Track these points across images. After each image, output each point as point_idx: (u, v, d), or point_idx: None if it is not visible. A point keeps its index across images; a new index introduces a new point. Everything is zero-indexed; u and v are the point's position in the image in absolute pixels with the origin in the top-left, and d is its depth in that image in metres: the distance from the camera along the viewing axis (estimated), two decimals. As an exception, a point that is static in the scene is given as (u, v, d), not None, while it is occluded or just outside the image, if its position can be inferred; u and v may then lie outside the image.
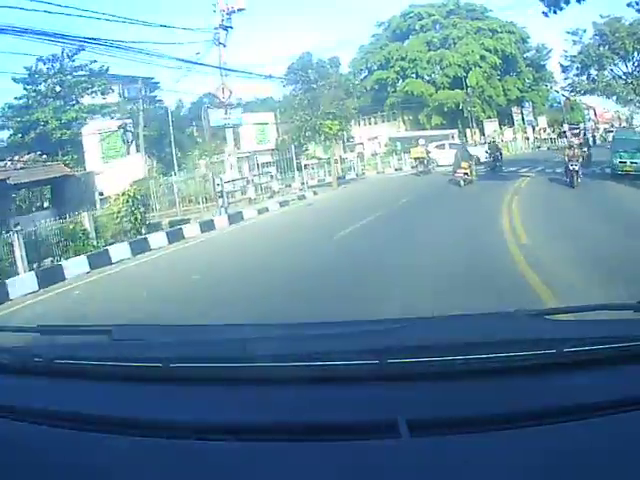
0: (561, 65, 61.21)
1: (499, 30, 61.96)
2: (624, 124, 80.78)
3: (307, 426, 1.32)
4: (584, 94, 60.31)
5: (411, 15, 62.80)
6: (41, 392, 1.64)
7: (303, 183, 30.29)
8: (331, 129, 31.86)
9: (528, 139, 57.36)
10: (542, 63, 69.46)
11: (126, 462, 1.28)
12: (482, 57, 58.52)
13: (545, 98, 69.32)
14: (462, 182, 22.53)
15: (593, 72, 58.85)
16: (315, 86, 34.43)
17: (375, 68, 63.27)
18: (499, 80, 60.79)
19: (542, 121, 61.61)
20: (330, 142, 33.12)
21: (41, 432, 1.44)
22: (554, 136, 64.30)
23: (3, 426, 1.50)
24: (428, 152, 34.22)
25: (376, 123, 63.35)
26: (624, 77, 58.40)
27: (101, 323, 2.12)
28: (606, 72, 57.71)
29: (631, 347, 1.44)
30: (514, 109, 59.10)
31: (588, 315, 1.87)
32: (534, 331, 1.63)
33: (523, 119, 60.10)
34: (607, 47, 54.01)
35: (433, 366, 1.45)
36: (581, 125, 71.15)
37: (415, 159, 34.32)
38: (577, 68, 59.85)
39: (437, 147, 38.28)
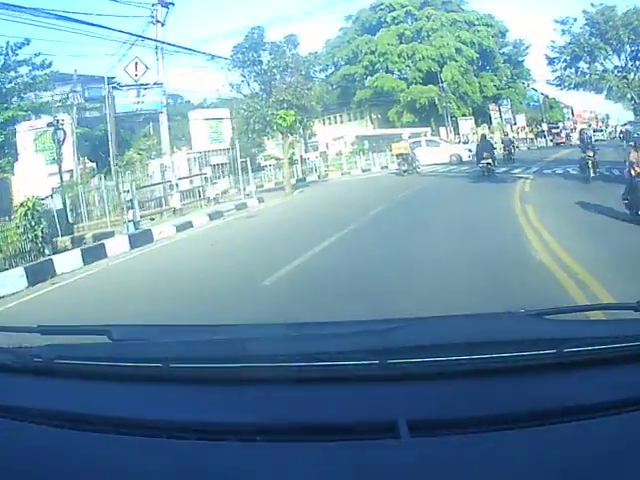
0: (547, 57, 56.78)
1: (476, 22, 60.16)
2: (600, 124, 77.13)
3: (307, 426, 1.34)
4: (573, 88, 55.90)
5: (382, 7, 60.60)
6: (41, 392, 1.65)
7: (244, 189, 26.00)
8: (285, 120, 26.31)
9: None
10: (520, 59, 67.34)
11: (126, 462, 1.31)
12: (458, 50, 56.71)
13: (523, 96, 67.69)
14: (485, 172, 24.76)
15: (583, 65, 54.17)
16: (266, 68, 28.67)
17: (342, 63, 60.65)
18: (475, 76, 58.80)
19: (521, 119, 59.49)
20: (285, 137, 28.21)
21: (41, 432, 1.45)
22: (532, 136, 61.90)
23: (3, 426, 1.51)
24: (412, 148, 31.71)
25: (342, 122, 61.16)
26: (617, 70, 53.66)
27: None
28: (597, 64, 52.90)
29: (631, 347, 1.45)
30: (491, 106, 56.27)
31: (588, 315, 1.99)
32: (534, 331, 1.62)
33: (501, 117, 55.01)
34: (600, 37, 49.31)
35: (433, 366, 1.46)
36: (560, 124, 66.63)
37: (397, 156, 31.54)
38: (565, 60, 55.23)
39: (412, 144, 34.89)
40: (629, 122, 68.83)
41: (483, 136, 29.94)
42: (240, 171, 27.66)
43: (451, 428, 1.27)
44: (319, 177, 36.35)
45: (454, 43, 56.13)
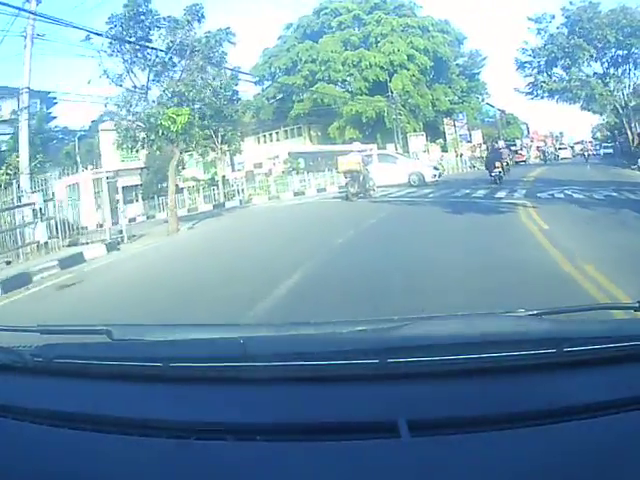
0: (517, 61, 50.09)
1: (431, 28, 56.17)
2: (553, 142, 72.64)
3: (307, 426, 1.37)
4: (547, 96, 49.35)
5: (326, 12, 56.57)
6: (41, 392, 1.69)
7: (116, 223, 18.75)
8: (174, 122, 17.92)
9: (462, 156, 46.55)
10: (475, 71, 63.78)
11: (126, 462, 1.34)
12: (410, 57, 52.99)
13: (478, 111, 64.23)
14: (497, 180, 26.39)
15: (558, 71, 47.58)
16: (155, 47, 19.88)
17: (280, 74, 55.87)
18: (428, 87, 54.88)
19: (477, 136, 53.50)
20: (176, 147, 20.14)
21: (41, 432, 1.49)
22: (484, 155, 53.91)
23: (3, 426, 1.55)
24: (364, 164, 23.92)
25: (279, 140, 56.46)
26: (597, 77, 47.08)
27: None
28: (577, 69, 46.18)
29: (631, 347, 1.49)
30: (446, 121, 52.34)
31: (588, 315, 1.98)
32: (534, 331, 1.67)
33: (456, 133, 49.30)
34: (582, 37, 42.79)
35: (433, 366, 1.50)
36: (517, 141, 61.14)
37: (346, 174, 23.51)
38: (538, 65, 48.43)
39: (365, 159, 27.86)
40: (582, 140, 65.42)
41: (492, 146, 33.79)
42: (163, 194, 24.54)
43: (451, 428, 1.29)
44: (241, 202, 31.70)
45: (406, 49, 52.75)
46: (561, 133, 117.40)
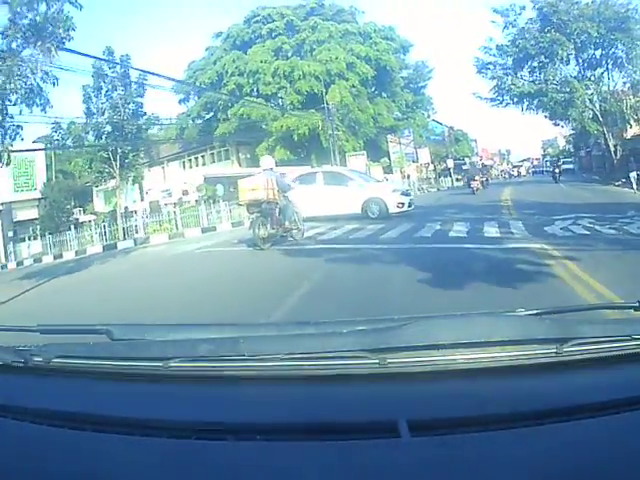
0: (478, 62, 43.93)
1: (373, 35, 51.19)
2: (497, 160, 68.48)
3: (307, 426, 1.40)
4: (515, 102, 43.27)
5: (257, 19, 51.53)
6: (41, 392, 1.74)
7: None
8: None
9: (409, 177, 41.05)
10: (421, 85, 58.89)
11: (126, 462, 1.36)
12: (350, 66, 48.33)
13: (424, 128, 58.87)
14: (475, 191, 31.31)
15: (526, 73, 41.11)
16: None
17: (206, 89, 50.24)
18: (370, 101, 49.64)
19: (424, 155, 49.22)
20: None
21: (41, 432, 1.53)
22: (432, 176, 55.94)
23: (3, 426, 1.59)
24: (284, 189, 15.59)
25: (205, 164, 51.43)
26: (579, 77, 40.94)
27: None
28: (553, 68, 39.78)
29: (631, 347, 1.54)
30: (390, 137, 45.75)
31: (588, 315, 2.03)
32: (534, 331, 1.68)
33: (401, 151, 44.21)
34: (558, 32, 36.54)
35: (433, 365, 1.54)
36: (466, 159, 56.13)
37: (249, 207, 15.37)
38: (505, 65, 42.09)
39: (299, 179, 22.78)
40: (529, 158, 59.64)
41: (471, 163, 38.24)
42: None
43: (451, 427, 1.31)
44: (135, 242, 26.20)
45: (345, 57, 48.45)
46: (508, 151, 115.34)
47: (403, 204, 21.32)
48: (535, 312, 1.86)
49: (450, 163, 56.17)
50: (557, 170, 43.07)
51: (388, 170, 47.94)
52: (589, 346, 1.52)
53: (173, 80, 35.13)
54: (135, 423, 1.46)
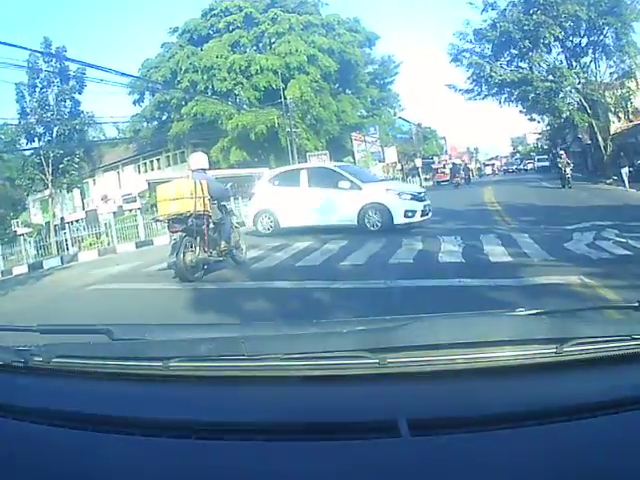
0: (453, 49, 41.13)
1: (337, 27, 48.30)
2: (467, 159, 67.64)
3: (306, 426, 1.41)
4: (496, 93, 40.02)
5: (215, 12, 48.39)
6: (41, 392, 1.75)
7: None
8: None
9: None
10: (388, 80, 55.62)
11: (126, 462, 1.38)
12: (311, 59, 44.86)
13: (390, 126, 55.99)
14: (457, 185, 37.98)
15: (505, 63, 38.00)
16: None
17: (160, 88, 47.29)
18: (333, 97, 46.55)
19: (391, 154, 46.98)
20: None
21: (41, 432, 1.54)
22: (400, 176, 50.99)
23: (3, 426, 1.61)
24: (215, 199, 11.13)
25: (160, 168, 49.27)
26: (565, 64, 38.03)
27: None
28: (538, 54, 36.51)
29: (631, 347, 1.55)
30: (355, 135, 43.24)
31: (588, 315, 2.02)
32: (534, 331, 1.71)
33: (367, 149, 41.72)
34: (544, 14, 33.52)
35: (433, 366, 1.55)
36: (435, 159, 53.76)
37: (172, 222, 10.49)
38: (482, 52, 38.94)
39: (278, 178, 18.63)
40: (497, 156, 57.87)
41: (453, 164, 40.03)
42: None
43: (451, 427, 1.32)
44: (62, 261, 21.63)
45: (306, 50, 45.04)
46: (476, 149, 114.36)
47: (414, 213, 16.41)
48: (535, 312, 1.88)
49: (418, 162, 54.23)
50: (567, 170, 32.92)
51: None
52: (589, 346, 1.54)
53: (115, 72, 31.80)
54: (135, 423, 1.47)
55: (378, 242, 13.72)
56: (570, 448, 1.24)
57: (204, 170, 11.85)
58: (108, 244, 24.00)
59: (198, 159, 12.07)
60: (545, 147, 75.29)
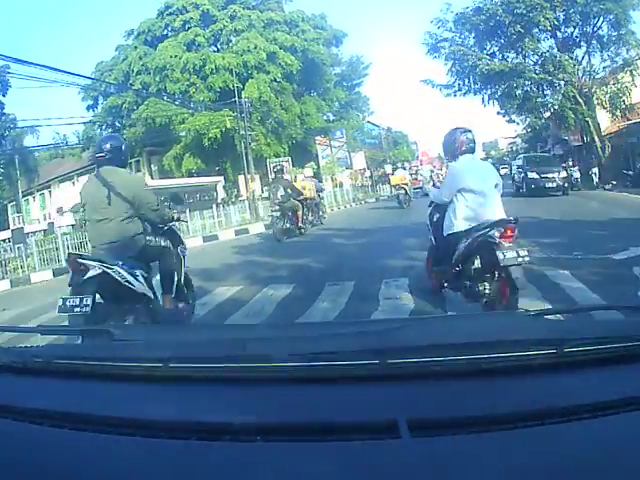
0: (431, 38, 37.28)
1: (301, 23, 45.39)
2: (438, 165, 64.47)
3: (307, 426, 1.43)
4: (480, 88, 36.48)
5: (171, 11, 45.58)
6: (41, 392, 1.77)
7: None
8: None
9: (342, 185, 38.16)
10: (356, 82, 52.32)
11: (126, 462, 1.39)
12: (271, 56, 42.44)
13: (359, 130, 52.62)
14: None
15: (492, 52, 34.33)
16: None
17: (112, 91, 44.15)
18: (296, 99, 43.81)
19: (359, 160, 44.45)
20: None
21: (41, 432, 1.56)
22: (369, 183, 49.05)
23: (3, 426, 1.62)
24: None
25: None
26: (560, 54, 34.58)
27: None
28: (532, 41, 32.91)
29: (631, 347, 1.59)
30: (319, 139, 39.59)
31: (588, 315, 2.00)
32: (534, 331, 1.72)
33: (333, 155, 38.33)
34: None
35: (433, 366, 1.58)
36: (407, 165, 50.57)
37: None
38: (463, 44, 34.91)
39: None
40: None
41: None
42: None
43: (451, 428, 1.34)
44: (12, 283, 17.87)
45: (265, 47, 43.21)
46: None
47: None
48: (535, 312, 1.85)
49: (388, 169, 51.56)
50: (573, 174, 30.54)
51: (317, 177, 41.33)
52: (589, 346, 1.57)
53: (53, 69, 28.31)
54: (135, 423, 1.49)
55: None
56: (570, 448, 1.25)
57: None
58: (27, 269, 20.05)
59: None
60: (521, 151, 72.77)
